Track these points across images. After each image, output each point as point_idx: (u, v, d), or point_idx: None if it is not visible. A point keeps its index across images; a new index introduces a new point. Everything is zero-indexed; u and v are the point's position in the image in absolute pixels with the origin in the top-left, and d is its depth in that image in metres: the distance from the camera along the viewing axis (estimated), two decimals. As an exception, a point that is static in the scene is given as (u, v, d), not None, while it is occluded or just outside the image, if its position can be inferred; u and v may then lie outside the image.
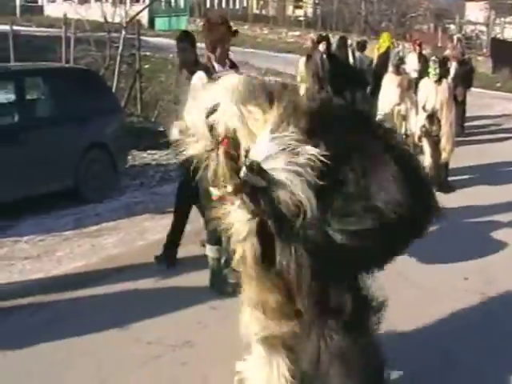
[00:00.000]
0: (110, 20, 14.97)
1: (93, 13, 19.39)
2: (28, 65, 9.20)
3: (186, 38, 5.92)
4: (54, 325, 4.51)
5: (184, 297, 4.93)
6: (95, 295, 5.05)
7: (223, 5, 43.10)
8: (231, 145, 2.87)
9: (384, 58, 9.46)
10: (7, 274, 5.60)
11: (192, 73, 5.39)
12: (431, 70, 8.24)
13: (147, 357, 4.01)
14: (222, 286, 4.99)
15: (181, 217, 5.67)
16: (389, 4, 35.92)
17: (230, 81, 3.02)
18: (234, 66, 5.32)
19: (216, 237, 4.90)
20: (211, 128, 2.90)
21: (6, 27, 19.74)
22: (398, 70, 8.73)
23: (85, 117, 8.00)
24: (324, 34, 11.60)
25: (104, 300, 4.95)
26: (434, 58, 8.59)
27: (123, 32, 12.39)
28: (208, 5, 41.78)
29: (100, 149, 8.26)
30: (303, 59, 10.80)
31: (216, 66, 5.26)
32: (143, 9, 17.34)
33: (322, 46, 10.64)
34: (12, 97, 7.75)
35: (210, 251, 5.05)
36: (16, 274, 5.58)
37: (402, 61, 8.81)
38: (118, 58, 12.44)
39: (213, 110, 2.90)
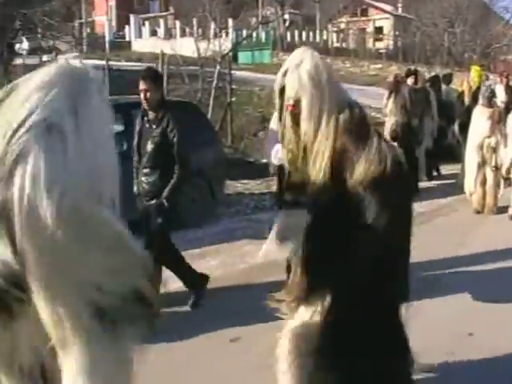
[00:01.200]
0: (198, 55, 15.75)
1: (181, 49, 20.34)
2: (134, 98, 9.86)
3: (148, 77, 5.39)
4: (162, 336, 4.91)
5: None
6: (203, 309, 5.46)
7: (303, 38, 43.84)
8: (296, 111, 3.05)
9: (477, 93, 9.64)
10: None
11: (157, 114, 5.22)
12: (525, 103, 8.39)
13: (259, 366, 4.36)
14: None
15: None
16: (472, 35, 35.66)
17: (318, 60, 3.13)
18: None
19: None
20: (282, 90, 3.11)
21: (98, 62, 20.99)
22: (490, 103, 8.87)
23: (186, 146, 8.50)
24: (412, 69, 11.91)
25: (214, 313, 5.35)
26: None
27: (218, 66, 13.03)
28: (289, 38, 42.64)
29: (198, 177, 8.74)
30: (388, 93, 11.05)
31: None
32: (238, 43, 18.09)
33: (410, 80, 10.96)
34: (121, 127, 8.41)
35: None
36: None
37: (493, 94, 8.96)
38: (213, 92, 13.06)
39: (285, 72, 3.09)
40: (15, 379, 2.34)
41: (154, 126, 5.33)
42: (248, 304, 5.54)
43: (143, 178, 5.40)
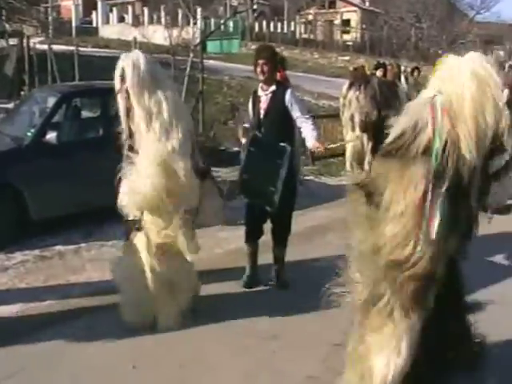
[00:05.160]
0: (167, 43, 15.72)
1: (153, 35, 20.27)
2: (110, 83, 9.88)
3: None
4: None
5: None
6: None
7: (271, 29, 43.99)
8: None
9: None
10: (100, 273, 6.19)
11: None
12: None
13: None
14: None
15: None
16: (438, 31, 36.22)
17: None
18: (280, 87, 5.76)
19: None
20: None
21: (66, 47, 20.79)
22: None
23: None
24: (381, 62, 12.22)
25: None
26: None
27: (191, 54, 13.08)
28: (257, 29, 42.72)
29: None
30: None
31: (259, 88, 5.78)
32: (211, 33, 18.13)
33: (379, 72, 11.23)
34: (98, 112, 8.46)
35: None
36: (107, 273, 6.11)
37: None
38: (186, 79, 13.10)
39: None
40: None
41: None
42: (226, 286, 5.76)
43: None
